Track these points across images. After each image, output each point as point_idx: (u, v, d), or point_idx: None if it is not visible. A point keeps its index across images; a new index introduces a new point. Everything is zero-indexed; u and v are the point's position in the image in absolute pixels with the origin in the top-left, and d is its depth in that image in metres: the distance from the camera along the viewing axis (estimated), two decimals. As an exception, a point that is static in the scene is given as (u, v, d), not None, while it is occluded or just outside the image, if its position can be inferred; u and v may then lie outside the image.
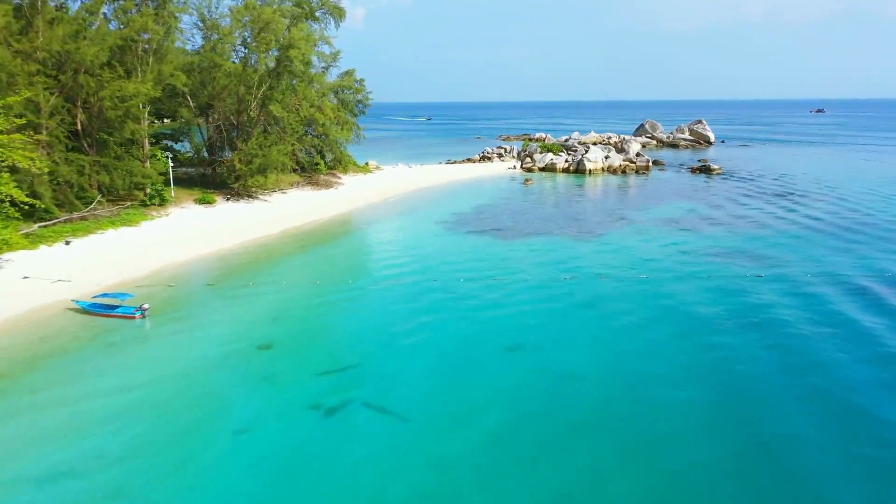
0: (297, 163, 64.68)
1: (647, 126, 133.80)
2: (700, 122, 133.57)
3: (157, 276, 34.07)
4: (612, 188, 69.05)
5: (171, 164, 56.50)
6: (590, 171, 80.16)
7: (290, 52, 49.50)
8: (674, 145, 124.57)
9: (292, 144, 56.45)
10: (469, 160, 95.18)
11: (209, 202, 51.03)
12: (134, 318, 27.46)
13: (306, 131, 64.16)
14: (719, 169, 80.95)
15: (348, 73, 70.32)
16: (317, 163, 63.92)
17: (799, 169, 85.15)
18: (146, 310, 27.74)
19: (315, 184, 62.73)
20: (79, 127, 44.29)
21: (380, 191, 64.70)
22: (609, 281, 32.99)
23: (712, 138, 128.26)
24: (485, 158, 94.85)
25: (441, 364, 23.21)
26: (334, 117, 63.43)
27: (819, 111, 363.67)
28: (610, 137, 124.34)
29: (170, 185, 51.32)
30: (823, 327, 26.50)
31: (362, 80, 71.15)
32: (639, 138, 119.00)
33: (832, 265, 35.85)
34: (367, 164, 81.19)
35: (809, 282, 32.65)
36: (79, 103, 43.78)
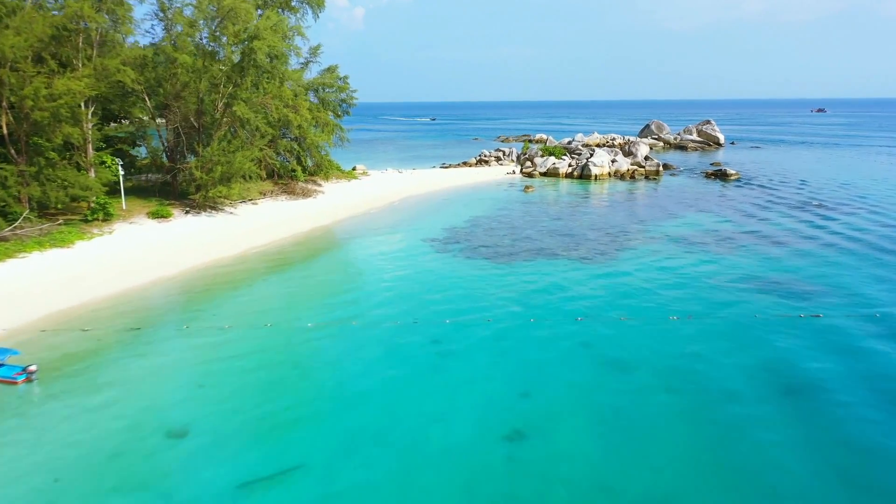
0: (273, 170, 58.40)
1: (652, 127, 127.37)
2: (709, 122, 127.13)
3: (73, 314, 27.68)
4: (621, 197, 62.65)
5: (128, 173, 50.40)
6: (595, 176, 73.75)
7: (254, 43, 42.99)
8: (682, 147, 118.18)
9: (261, 149, 49.97)
10: (465, 164, 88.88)
11: (164, 216, 44.61)
12: (16, 382, 21.08)
13: (282, 133, 57.84)
14: (736, 174, 74.56)
15: (330, 70, 63.85)
16: (293, 169, 57.44)
17: (819, 173, 78.74)
18: (33, 372, 21.36)
19: (291, 192, 56.32)
20: (3, 131, 38.00)
21: (364, 200, 58.30)
22: (630, 324, 26.60)
23: (722, 140, 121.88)
24: (482, 162, 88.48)
25: (408, 462, 16.82)
26: (312, 118, 57.02)
27: (820, 111, 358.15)
28: (614, 139, 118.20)
29: (120, 195, 45.05)
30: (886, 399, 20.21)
31: (346, 77, 64.72)
32: (645, 140, 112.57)
33: (882, 301, 29.27)
34: (354, 168, 75.01)
35: (860, 327, 26.15)
36: (3, 103, 37.46)
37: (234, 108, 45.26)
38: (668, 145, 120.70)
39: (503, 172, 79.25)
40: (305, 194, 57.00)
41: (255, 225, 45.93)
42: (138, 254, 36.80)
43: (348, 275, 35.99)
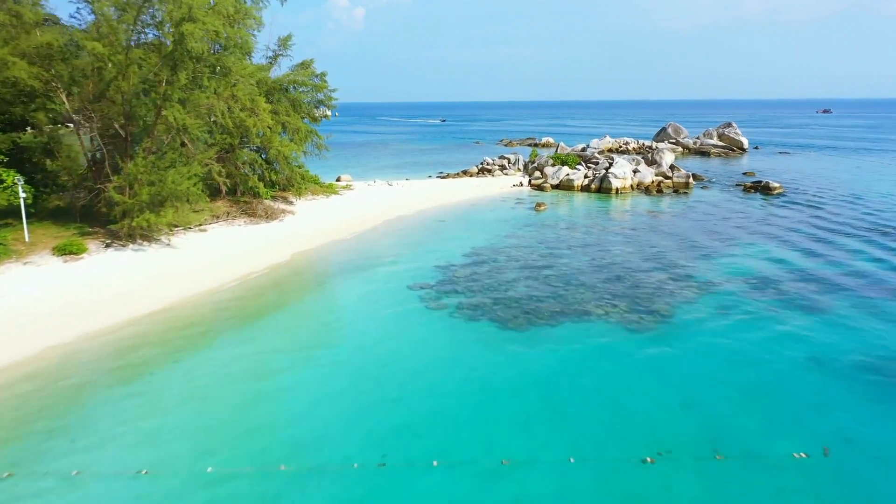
0: (235, 186, 48.18)
1: (669, 130, 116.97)
2: (730, 125, 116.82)
3: None
4: (651, 219, 52.27)
5: (51, 190, 40.50)
6: (616, 190, 63.46)
7: (185, 26, 32.57)
8: (703, 153, 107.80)
9: (205, 165, 39.67)
10: (465, 173, 78.56)
11: (75, 252, 34.34)
12: None
13: (241, 142, 47.62)
14: (779, 188, 64.23)
15: (304, 65, 53.49)
16: (253, 185, 47.16)
17: (869, 186, 68.33)
18: None
19: (252, 214, 46.06)
20: None
21: (341, 223, 48.01)
22: (731, 470, 16.34)
23: (745, 144, 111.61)
24: (484, 171, 78.15)
25: None
26: (276, 123, 46.81)
27: (826, 111, 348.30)
28: (627, 143, 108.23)
29: (27, 223, 34.98)
30: None
31: (324, 73, 54.40)
32: (665, 145, 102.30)
33: None
34: (338, 179, 65.10)
35: None
36: None
37: (165, 113, 34.92)
38: (688, 150, 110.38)
39: (509, 184, 68.96)
40: (270, 216, 46.70)
41: (194, 263, 35.62)
42: (8, 316, 26.50)
43: (293, 355, 24.71)
